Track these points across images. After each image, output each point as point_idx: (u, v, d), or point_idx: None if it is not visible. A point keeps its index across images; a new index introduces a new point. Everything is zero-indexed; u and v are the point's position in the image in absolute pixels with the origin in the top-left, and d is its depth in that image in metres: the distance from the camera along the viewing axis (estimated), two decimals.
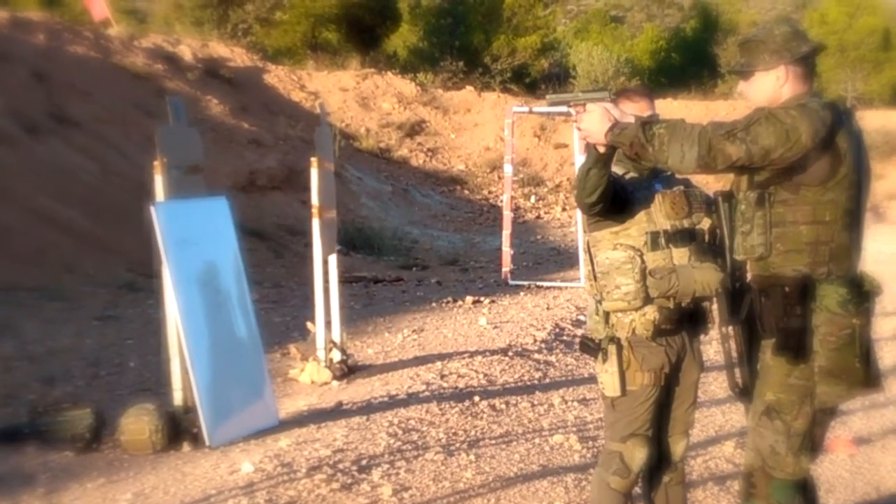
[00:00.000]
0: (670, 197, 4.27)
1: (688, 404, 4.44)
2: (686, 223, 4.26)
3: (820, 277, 3.73)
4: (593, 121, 3.94)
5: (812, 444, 3.86)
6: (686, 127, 3.74)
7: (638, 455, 4.27)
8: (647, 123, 3.82)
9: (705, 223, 4.27)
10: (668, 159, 3.75)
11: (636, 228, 4.23)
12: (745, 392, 3.93)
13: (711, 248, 4.21)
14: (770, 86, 3.84)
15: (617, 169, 4.29)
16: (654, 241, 4.21)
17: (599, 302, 4.30)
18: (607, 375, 4.26)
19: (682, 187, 4.35)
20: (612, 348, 4.24)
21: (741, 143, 3.65)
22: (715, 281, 4.09)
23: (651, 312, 4.22)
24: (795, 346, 3.72)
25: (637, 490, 4.53)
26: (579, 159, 4.38)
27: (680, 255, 4.22)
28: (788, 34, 3.83)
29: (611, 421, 4.37)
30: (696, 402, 4.50)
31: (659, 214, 4.24)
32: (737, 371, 3.94)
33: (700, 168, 3.72)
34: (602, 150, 3.98)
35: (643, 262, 4.20)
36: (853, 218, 3.78)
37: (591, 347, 4.33)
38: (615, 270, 4.22)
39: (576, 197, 4.24)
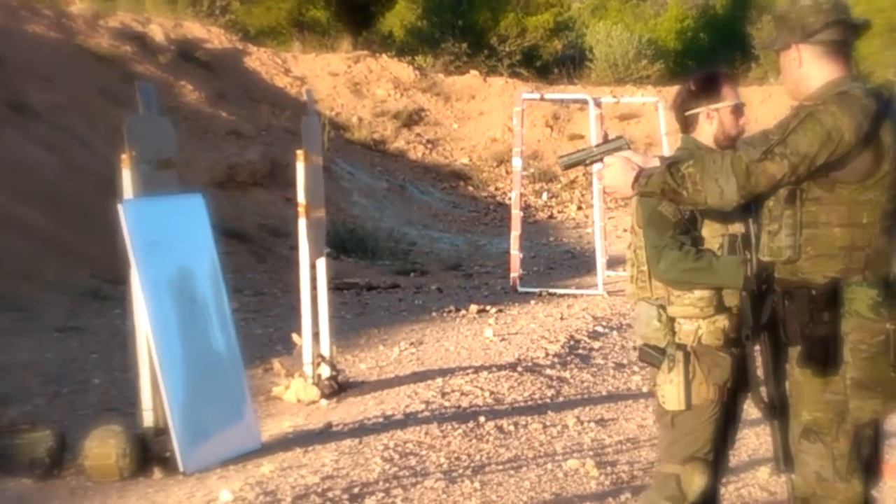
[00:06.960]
0: None
1: (737, 424, 4.47)
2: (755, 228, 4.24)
3: (853, 286, 3.73)
4: (615, 175, 3.98)
5: (864, 464, 3.82)
6: (716, 159, 3.75)
7: (697, 481, 4.27)
8: (672, 165, 3.83)
9: None
10: (707, 198, 3.77)
11: (709, 230, 4.22)
12: (771, 409, 3.94)
13: None
14: (790, 67, 3.85)
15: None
16: (732, 245, 4.18)
17: (662, 307, 4.30)
18: (671, 386, 4.26)
19: None
20: (679, 355, 4.25)
21: (781, 159, 3.65)
22: None
23: (721, 320, 4.23)
24: (822, 356, 3.71)
25: None
26: None
27: None
28: (807, 9, 3.78)
29: (668, 441, 4.39)
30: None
31: (733, 216, 4.21)
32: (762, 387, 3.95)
33: (743, 199, 3.74)
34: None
35: None
36: (893, 221, 3.77)
37: (653, 356, 4.31)
38: None
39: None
